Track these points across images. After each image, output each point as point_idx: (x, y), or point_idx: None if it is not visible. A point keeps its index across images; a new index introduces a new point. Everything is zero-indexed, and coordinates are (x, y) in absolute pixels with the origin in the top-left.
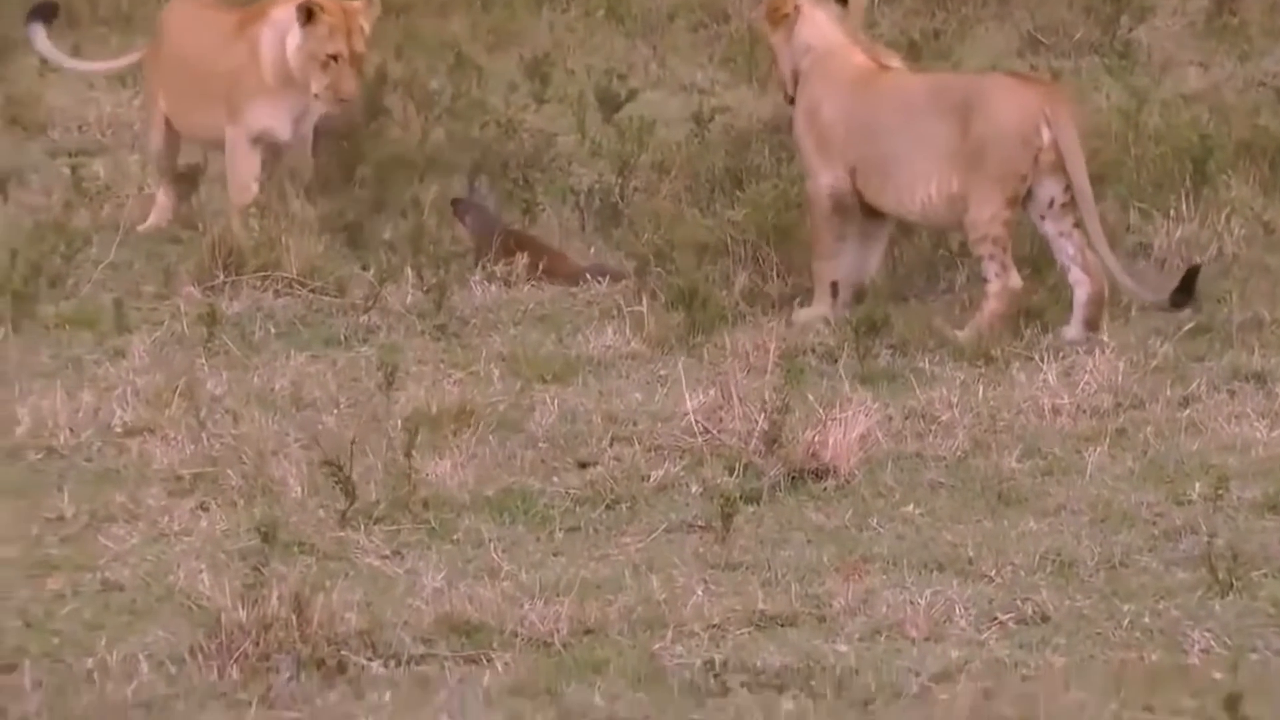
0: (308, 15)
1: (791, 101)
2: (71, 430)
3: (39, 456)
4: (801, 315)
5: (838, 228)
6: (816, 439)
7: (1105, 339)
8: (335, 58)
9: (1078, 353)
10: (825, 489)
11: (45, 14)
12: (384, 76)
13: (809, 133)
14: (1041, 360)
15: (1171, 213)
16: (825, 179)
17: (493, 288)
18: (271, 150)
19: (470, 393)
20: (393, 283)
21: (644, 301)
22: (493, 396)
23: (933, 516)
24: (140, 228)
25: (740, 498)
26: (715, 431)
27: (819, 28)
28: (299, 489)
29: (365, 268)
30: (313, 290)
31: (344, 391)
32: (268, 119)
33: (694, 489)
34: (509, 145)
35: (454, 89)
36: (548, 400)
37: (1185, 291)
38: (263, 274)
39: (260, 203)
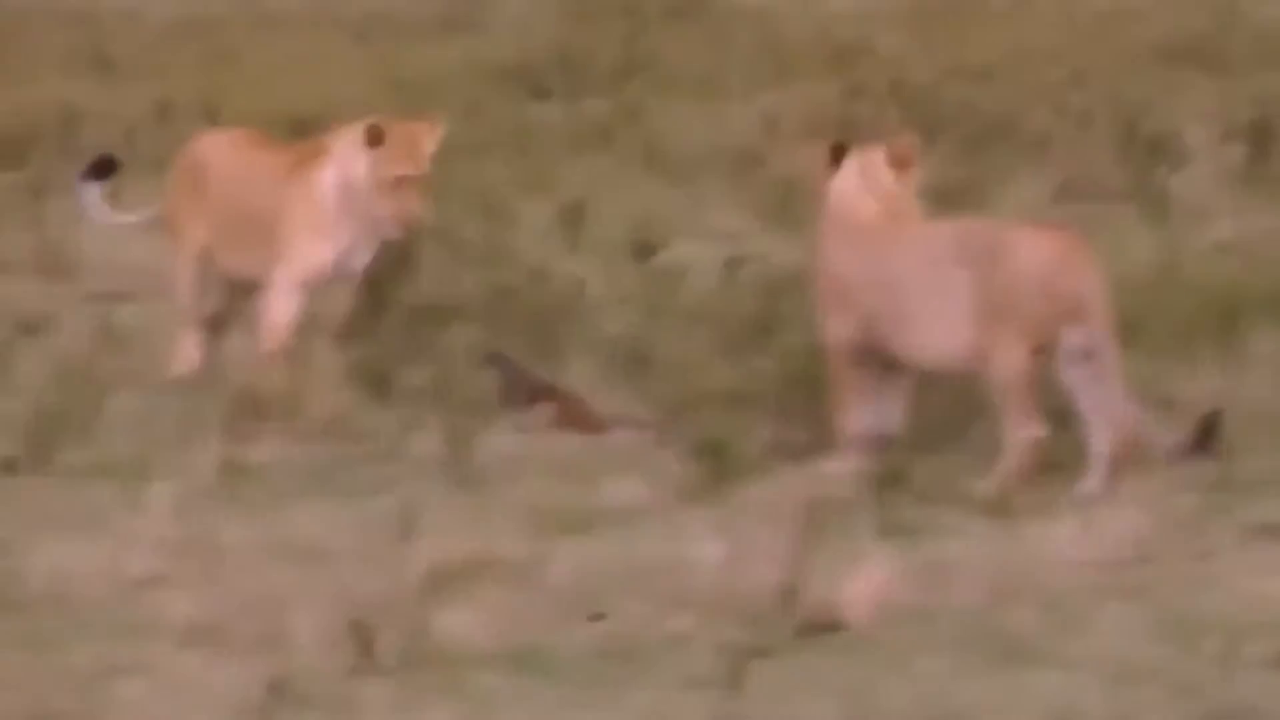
0: (374, 139)
1: None
2: (88, 580)
3: (54, 608)
4: (826, 468)
5: (856, 380)
6: (833, 592)
7: (1126, 492)
8: (402, 180)
9: (1099, 506)
10: (840, 643)
11: (102, 171)
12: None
13: (824, 281)
14: (1063, 513)
15: (1200, 365)
16: (838, 329)
17: (516, 438)
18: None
19: (490, 544)
20: (417, 431)
21: (667, 452)
22: (513, 548)
23: (947, 672)
24: (168, 376)
25: (754, 652)
26: (733, 584)
27: (844, 184)
28: (313, 641)
29: (390, 417)
30: (337, 440)
31: (364, 543)
32: (318, 259)
33: (708, 642)
34: (538, 292)
35: (486, 234)
36: (567, 552)
37: (1206, 438)
38: (288, 423)
39: (288, 349)
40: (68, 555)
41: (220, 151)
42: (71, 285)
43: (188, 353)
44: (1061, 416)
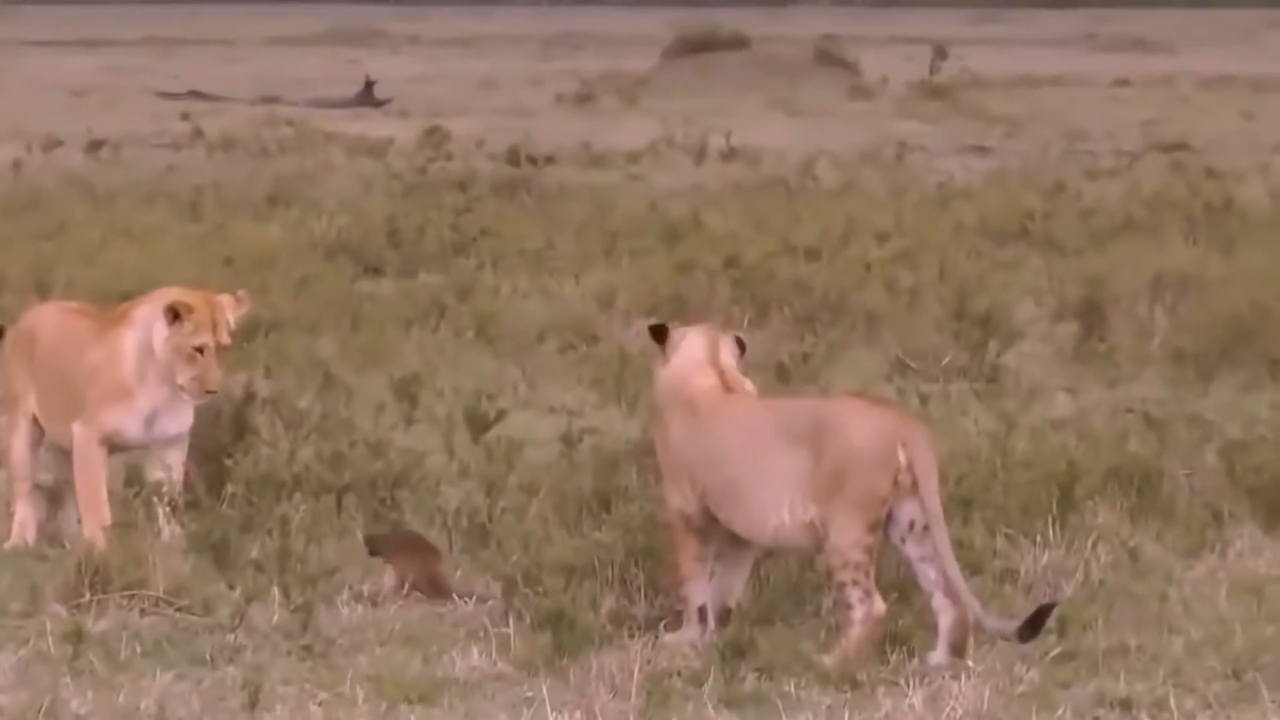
0: (175, 315)
1: None
2: None
3: None
4: (669, 639)
5: (695, 549)
6: None
7: (971, 664)
8: (201, 350)
9: (943, 678)
10: None
11: None
12: (252, 395)
13: (661, 455)
14: (907, 685)
15: (1038, 538)
16: (676, 501)
17: (359, 608)
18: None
19: (335, 714)
20: (259, 602)
21: (510, 623)
22: (358, 718)
23: None
24: (5, 545)
25: None
26: None
27: (682, 358)
28: None
29: (231, 586)
30: (179, 609)
31: (208, 712)
32: (116, 421)
33: None
34: (377, 465)
35: (322, 407)
36: None
37: (1034, 627)
38: (129, 592)
39: (120, 521)
40: None
41: (45, 321)
42: None
43: (23, 522)
44: (904, 590)
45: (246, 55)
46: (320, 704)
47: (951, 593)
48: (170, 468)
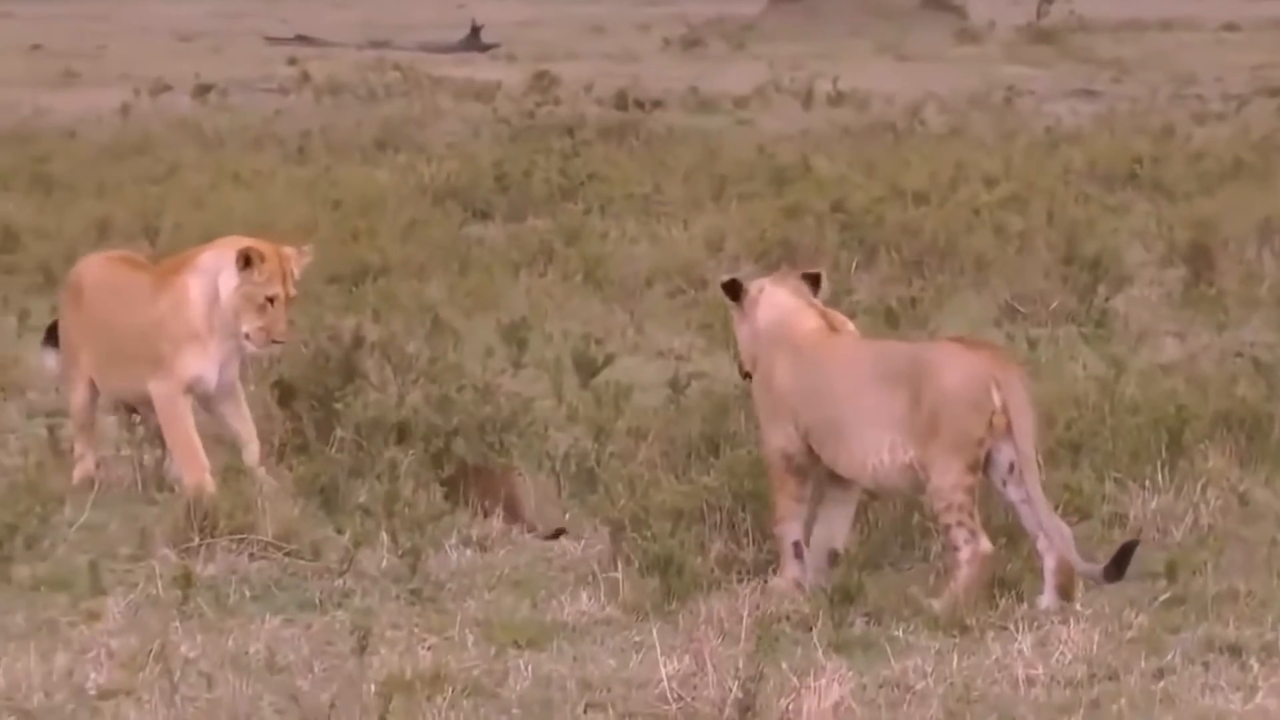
0: (246, 261)
1: (746, 377)
2: (45, 693)
3: (12, 719)
4: (774, 583)
5: (795, 490)
6: (790, 707)
7: (1079, 609)
8: (272, 300)
9: (1052, 623)
10: None
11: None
12: (361, 339)
13: (763, 395)
14: (1016, 630)
15: (1147, 483)
16: (778, 440)
17: (468, 552)
18: (203, 402)
19: (444, 658)
20: (368, 546)
21: (619, 567)
22: (467, 662)
23: None
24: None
25: None
26: (689, 699)
27: (778, 302)
28: None
29: (340, 531)
30: (287, 554)
31: (318, 656)
32: (194, 370)
33: None
34: (485, 409)
35: (431, 352)
36: (521, 666)
37: (1119, 566)
38: (238, 537)
39: (228, 465)
40: (27, 669)
41: (91, 272)
42: (17, 400)
43: (84, 467)
44: (1012, 533)
45: (354, 0)
46: (429, 648)
47: (1050, 536)
48: (242, 418)
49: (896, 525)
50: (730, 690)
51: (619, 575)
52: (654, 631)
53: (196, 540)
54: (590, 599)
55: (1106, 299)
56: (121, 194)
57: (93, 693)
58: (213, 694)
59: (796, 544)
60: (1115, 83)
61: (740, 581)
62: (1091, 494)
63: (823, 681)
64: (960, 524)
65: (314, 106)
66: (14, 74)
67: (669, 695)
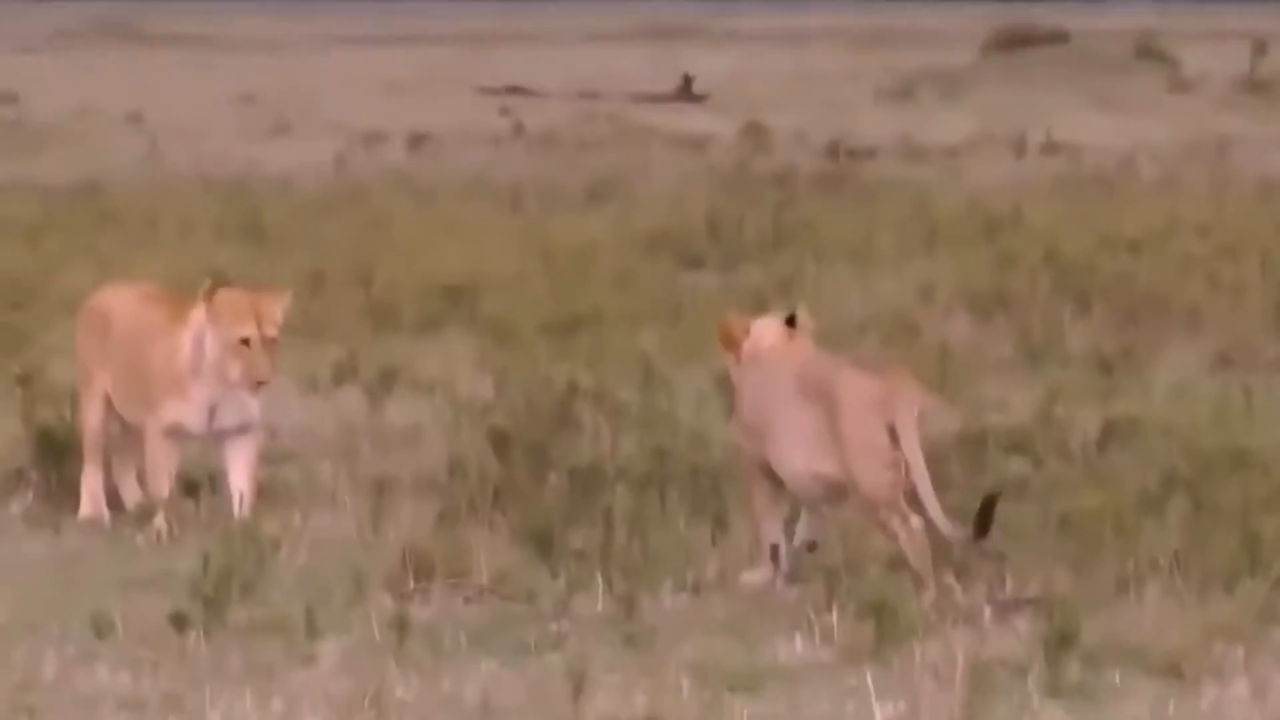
0: (215, 309)
1: None
2: None
3: None
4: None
5: (768, 491)
6: None
7: None
8: (246, 342)
9: (1269, 669)
10: None
11: None
12: (574, 387)
13: (736, 404)
14: (1232, 676)
15: None
16: (747, 446)
17: (683, 596)
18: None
19: (659, 702)
20: (583, 591)
21: (833, 611)
22: (681, 706)
23: None
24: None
25: None
26: None
27: (764, 335)
28: None
29: (555, 576)
30: (502, 598)
31: (532, 701)
32: (176, 414)
33: None
34: (699, 457)
35: (644, 400)
36: (736, 710)
37: (984, 523)
38: (453, 581)
39: (443, 511)
40: (243, 710)
41: (120, 304)
42: None
43: (93, 493)
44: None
45: (564, 51)
46: (644, 692)
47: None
48: (240, 465)
49: (1112, 569)
50: None
51: (833, 619)
52: (868, 676)
53: (412, 585)
54: (804, 643)
55: None
56: (334, 244)
57: None
58: None
59: (775, 546)
60: None
61: (955, 626)
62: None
63: None
64: (891, 515)
65: (526, 157)
66: (225, 125)
67: None
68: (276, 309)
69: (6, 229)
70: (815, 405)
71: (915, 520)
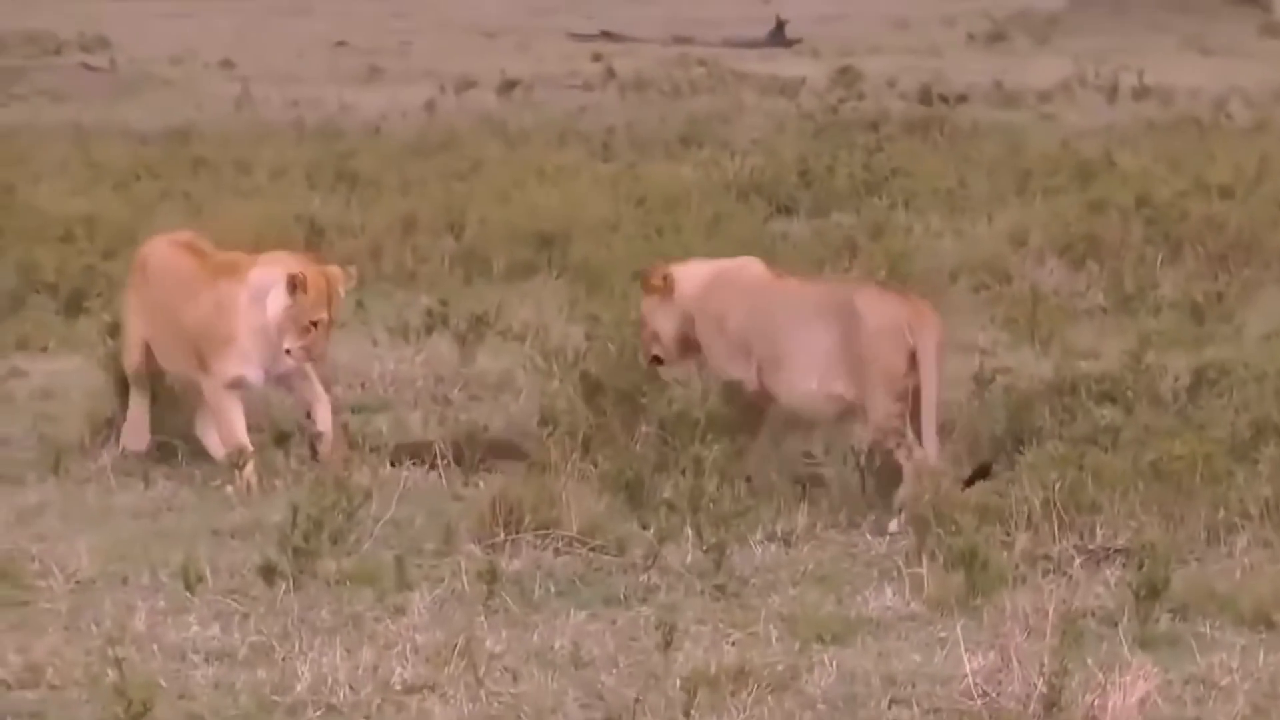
0: (293, 286)
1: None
2: (351, 687)
3: (319, 714)
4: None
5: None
6: (1096, 703)
7: None
8: (316, 324)
9: None
10: None
11: None
12: None
13: (714, 341)
14: None
15: None
16: (736, 374)
17: (772, 547)
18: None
19: (748, 653)
20: (672, 542)
21: (923, 562)
22: (771, 657)
23: None
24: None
25: None
26: (994, 695)
27: (696, 274)
28: None
29: (645, 526)
30: (592, 549)
31: (622, 651)
32: (235, 372)
33: None
34: None
35: None
36: (826, 661)
37: (971, 481)
38: (542, 532)
39: (533, 461)
40: (333, 664)
41: (155, 255)
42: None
43: (135, 423)
44: None
45: None
46: (733, 643)
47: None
48: (317, 407)
49: (1202, 520)
50: (1035, 686)
51: (923, 570)
52: (958, 627)
53: (501, 535)
54: (894, 594)
55: None
56: (426, 190)
57: (398, 688)
58: (517, 689)
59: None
60: None
61: (1045, 576)
62: None
63: (1128, 678)
64: (899, 445)
65: (618, 102)
66: (319, 71)
67: (973, 691)
68: (343, 290)
69: (99, 175)
70: (834, 326)
71: (920, 452)
